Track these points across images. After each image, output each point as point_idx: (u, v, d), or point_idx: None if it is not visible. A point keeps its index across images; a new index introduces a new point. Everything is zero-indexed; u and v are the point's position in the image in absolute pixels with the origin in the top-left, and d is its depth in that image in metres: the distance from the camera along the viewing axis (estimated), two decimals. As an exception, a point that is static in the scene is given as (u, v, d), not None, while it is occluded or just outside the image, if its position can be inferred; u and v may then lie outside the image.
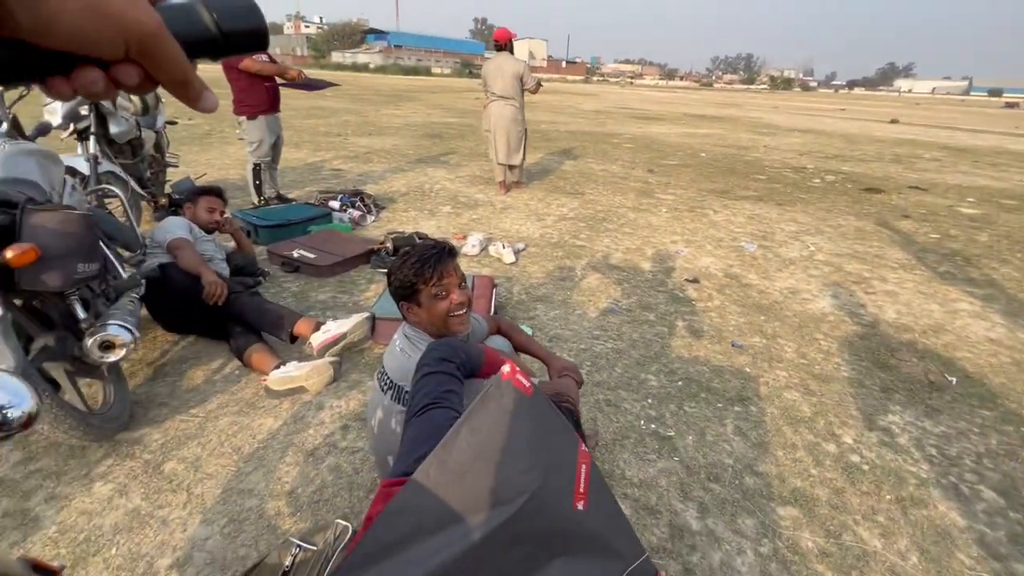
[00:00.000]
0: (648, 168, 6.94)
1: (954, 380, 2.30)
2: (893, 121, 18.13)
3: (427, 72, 56.30)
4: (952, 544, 1.49)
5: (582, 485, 0.61)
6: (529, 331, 2.45)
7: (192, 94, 0.31)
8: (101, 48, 0.25)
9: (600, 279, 3.23)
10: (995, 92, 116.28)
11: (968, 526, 1.55)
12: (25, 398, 0.52)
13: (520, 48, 5.77)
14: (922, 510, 1.60)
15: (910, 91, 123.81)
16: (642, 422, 1.93)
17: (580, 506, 0.60)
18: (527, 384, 0.64)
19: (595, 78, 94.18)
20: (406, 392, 1.25)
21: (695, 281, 3.26)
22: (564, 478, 0.61)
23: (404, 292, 1.33)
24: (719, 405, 2.06)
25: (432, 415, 0.99)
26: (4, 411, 0.51)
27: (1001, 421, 2.05)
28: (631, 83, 75.66)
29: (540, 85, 4.98)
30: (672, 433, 1.88)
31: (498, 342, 1.60)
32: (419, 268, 1.29)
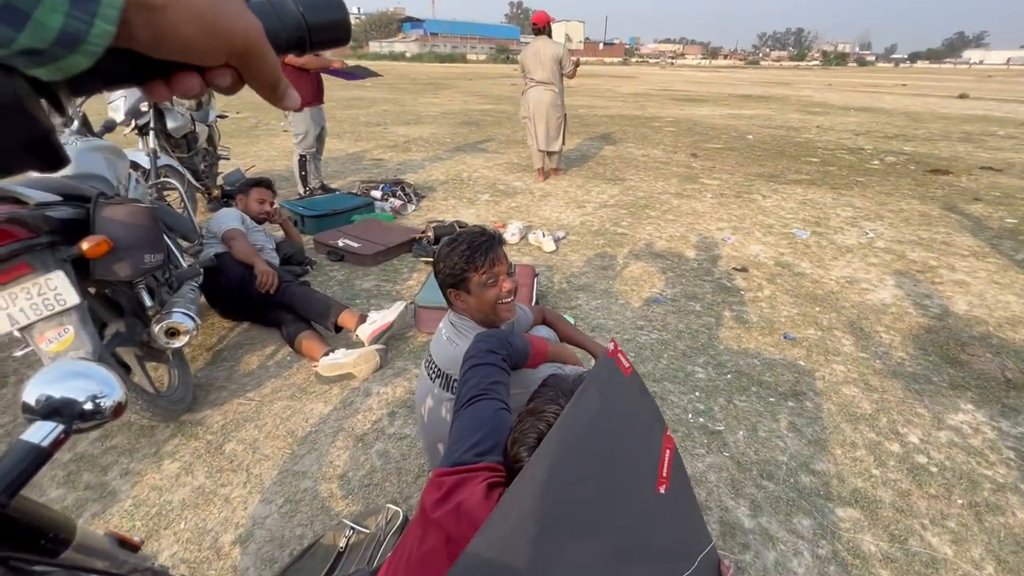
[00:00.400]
0: (691, 152, 6.70)
1: (1035, 378, 2.13)
2: (962, 96, 16.76)
3: (463, 59, 56.19)
4: (1034, 555, 1.38)
5: (665, 469, 0.61)
6: (571, 320, 2.42)
7: (279, 94, 0.30)
8: (207, 58, 0.26)
9: (643, 268, 3.15)
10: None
11: (1052, 536, 1.44)
12: (115, 388, 0.55)
13: (556, 31, 5.67)
14: (999, 517, 1.50)
15: (981, 63, 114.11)
16: (690, 415, 1.88)
17: (662, 490, 0.60)
18: (627, 364, 0.64)
19: (633, 59, 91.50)
20: (454, 380, 1.26)
21: (743, 270, 3.13)
22: (651, 461, 0.61)
23: (453, 280, 1.32)
24: (771, 400, 1.98)
25: (478, 407, 1.00)
26: (97, 400, 0.53)
27: (1090, 423, 1.88)
28: (672, 63, 73.07)
29: (578, 64, 4.87)
30: (722, 427, 1.83)
31: (543, 332, 1.58)
32: (470, 256, 1.28)
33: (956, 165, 6.11)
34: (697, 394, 2.00)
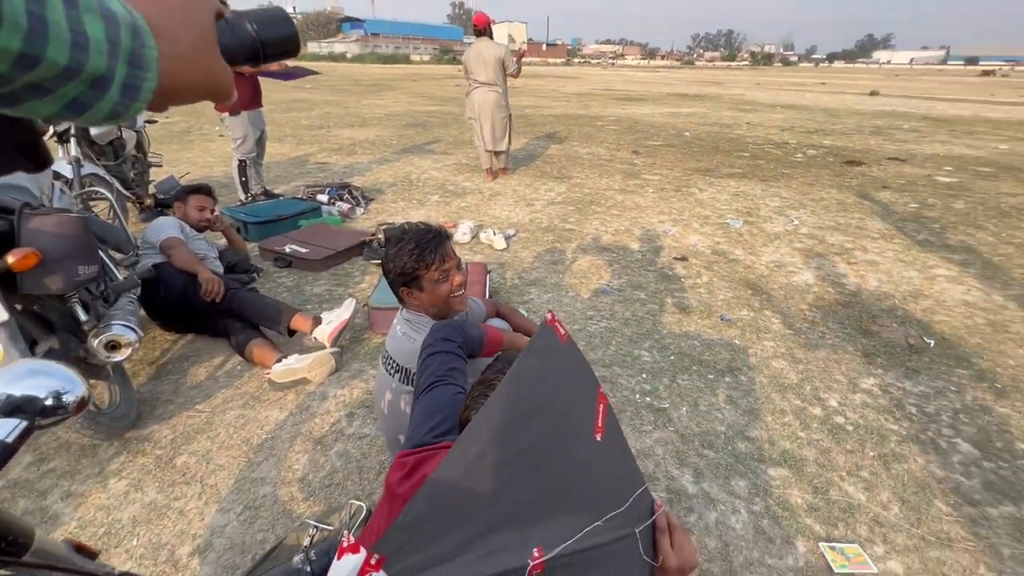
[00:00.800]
0: (633, 150, 6.98)
1: (932, 342, 2.41)
2: (873, 93, 18.30)
3: (406, 60, 55.38)
4: (931, 494, 1.59)
5: (600, 420, 0.68)
6: (524, 313, 2.50)
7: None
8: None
9: (591, 261, 3.29)
10: (971, 61, 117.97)
11: (945, 476, 1.65)
12: (77, 384, 0.56)
13: (499, 32, 5.72)
14: (903, 464, 1.70)
15: (888, 62, 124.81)
16: (637, 396, 2.01)
17: (599, 437, 0.68)
18: (563, 332, 0.71)
19: (576, 60, 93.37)
20: (413, 373, 1.30)
21: (683, 259, 3.33)
22: (588, 412, 0.68)
23: (405, 279, 1.36)
24: (710, 376, 2.14)
25: (436, 392, 1.05)
26: (61, 396, 0.55)
27: (976, 379, 2.16)
28: (613, 64, 75.11)
29: (522, 56, 4.99)
30: (667, 405, 1.96)
31: (498, 324, 1.65)
32: (420, 254, 1.32)
33: (868, 156, 6.70)
34: (644, 376, 2.13)
